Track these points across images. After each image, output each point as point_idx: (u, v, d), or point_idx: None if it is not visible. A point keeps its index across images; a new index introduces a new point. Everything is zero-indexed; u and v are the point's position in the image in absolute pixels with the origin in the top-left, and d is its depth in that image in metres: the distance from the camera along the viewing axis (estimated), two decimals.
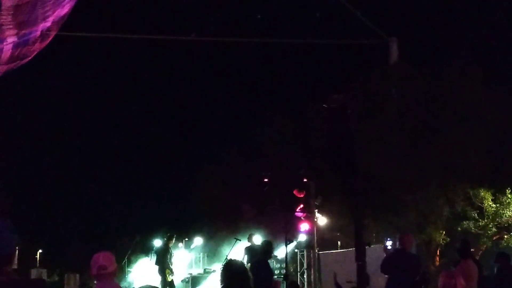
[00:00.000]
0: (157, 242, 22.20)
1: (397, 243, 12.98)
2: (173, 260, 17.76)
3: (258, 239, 18.57)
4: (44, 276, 33.10)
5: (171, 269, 17.42)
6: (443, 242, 20.79)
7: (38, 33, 6.17)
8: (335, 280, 13.83)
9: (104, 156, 49.26)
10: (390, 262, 10.78)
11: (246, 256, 16.97)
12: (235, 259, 9.39)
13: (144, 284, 4.45)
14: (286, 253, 16.32)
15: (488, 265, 16.31)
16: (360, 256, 12.75)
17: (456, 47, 26.99)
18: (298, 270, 21.58)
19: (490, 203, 20.47)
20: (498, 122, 18.85)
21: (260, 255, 12.33)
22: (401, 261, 10.38)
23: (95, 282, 5.70)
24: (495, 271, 13.05)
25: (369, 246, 17.04)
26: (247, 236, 18.03)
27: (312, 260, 20.12)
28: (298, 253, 21.43)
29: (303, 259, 21.06)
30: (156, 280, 17.16)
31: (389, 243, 16.97)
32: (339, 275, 14.83)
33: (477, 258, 16.57)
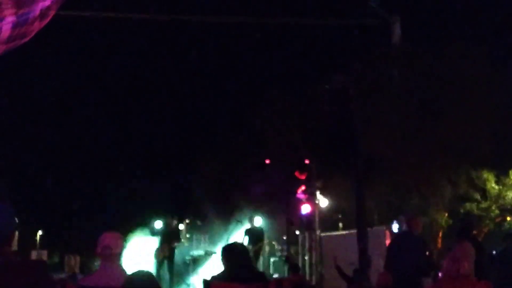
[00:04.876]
0: (158, 223, 22.10)
1: (404, 226, 12.86)
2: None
3: (258, 221, 18.56)
4: (45, 258, 33.16)
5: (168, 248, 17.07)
6: (445, 224, 20.76)
7: (37, 12, 6.03)
8: (336, 264, 13.81)
9: (105, 134, 49.15)
10: (395, 244, 10.71)
11: (246, 238, 16.97)
12: (235, 241, 9.31)
13: (137, 269, 4.29)
14: (288, 235, 16.29)
15: (491, 247, 16.27)
16: (362, 239, 12.68)
17: (460, 27, 26.71)
18: (300, 252, 21.55)
19: (493, 185, 20.43)
20: (502, 103, 18.71)
21: None
22: (406, 243, 10.29)
23: (95, 263, 5.63)
24: (498, 252, 12.98)
25: (371, 228, 17.03)
26: (248, 218, 18.01)
27: (313, 242, 20.05)
28: (299, 235, 21.37)
29: (305, 241, 21.01)
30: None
31: (395, 226, 16.88)
32: (341, 257, 14.78)
33: (480, 240, 16.50)
